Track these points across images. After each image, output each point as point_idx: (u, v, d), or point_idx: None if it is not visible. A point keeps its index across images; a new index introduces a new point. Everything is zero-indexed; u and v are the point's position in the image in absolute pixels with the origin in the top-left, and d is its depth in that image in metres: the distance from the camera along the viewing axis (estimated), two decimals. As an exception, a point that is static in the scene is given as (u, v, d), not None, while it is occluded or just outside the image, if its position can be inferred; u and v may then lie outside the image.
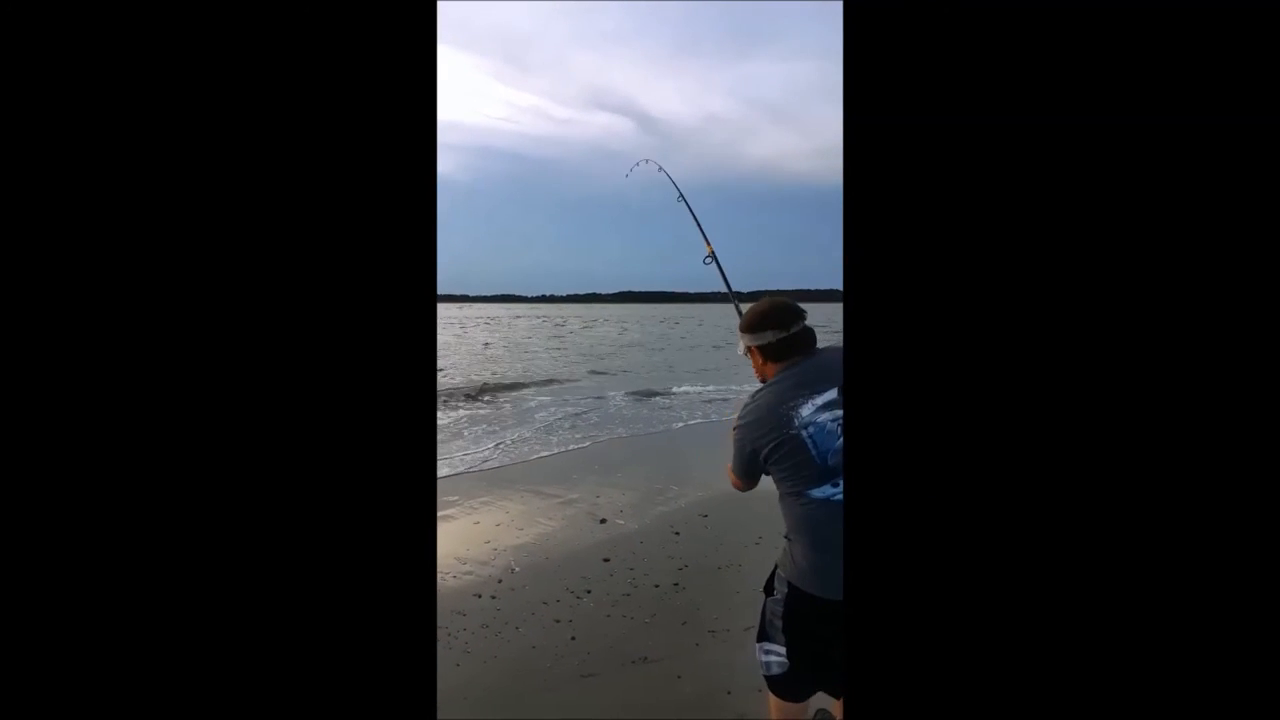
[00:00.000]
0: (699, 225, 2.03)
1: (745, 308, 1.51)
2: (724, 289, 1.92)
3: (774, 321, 1.34)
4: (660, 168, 2.24)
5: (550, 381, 11.01)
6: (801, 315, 1.35)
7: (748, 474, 1.38)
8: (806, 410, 1.26)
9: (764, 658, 1.42)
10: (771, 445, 1.28)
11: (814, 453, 1.26)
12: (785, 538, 1.36)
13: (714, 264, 1.95)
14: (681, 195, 2.13)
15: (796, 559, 1.32)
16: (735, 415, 1.36)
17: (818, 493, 1.27)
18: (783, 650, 1.38)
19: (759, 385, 1.42)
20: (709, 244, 1.97)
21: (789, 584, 1.34)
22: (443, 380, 10.57)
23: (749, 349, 1.39)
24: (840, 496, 1.26)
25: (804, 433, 1.26)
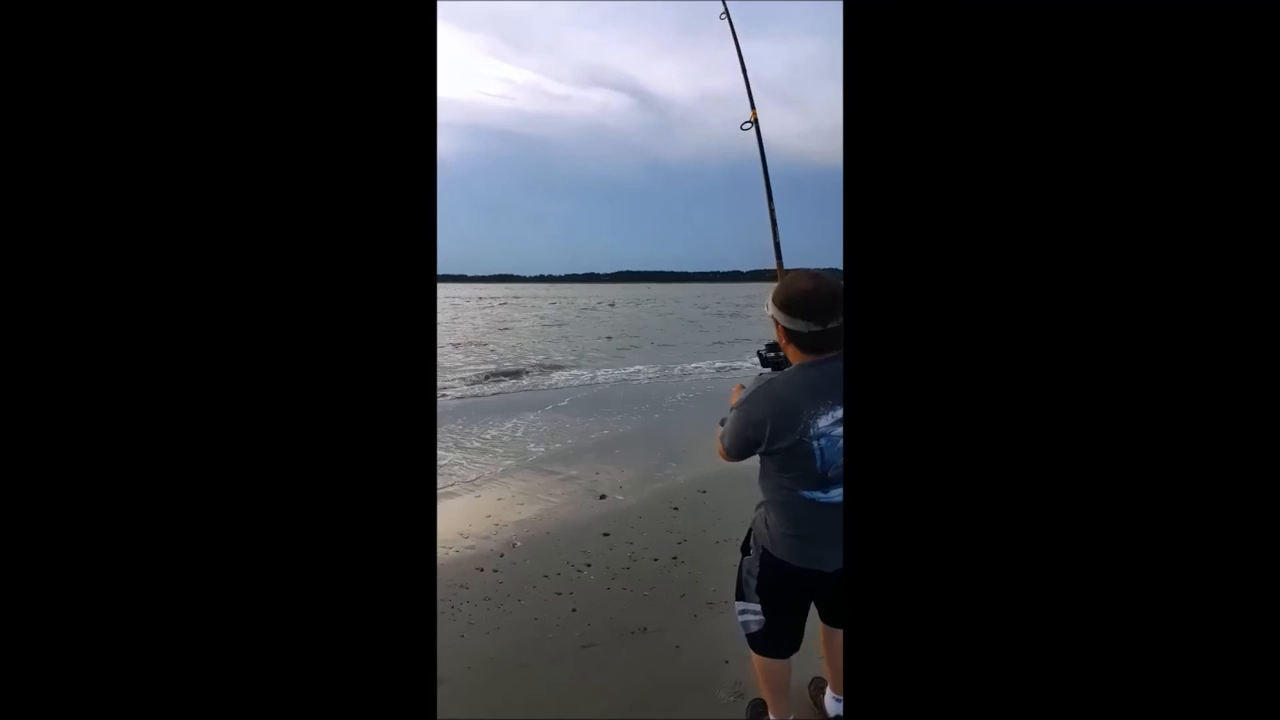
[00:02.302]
0: (744, 70, 1.71)
1: (778, 284, 1.38)
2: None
3: (809, 312, 1.18)
4: None
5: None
6: (839, 310, 1.18)
7: (740, 454, 1.31)
8: (824, 421, 1.18)
9: (742, 616, 1.46)
10: (776, 444, 1.21)
11: (818, 463, 1.21)
12: (760, 502, 1.38)
13: (753, 130, 1.69)
14: (726, 10, 1.82)
15: (770, 525, 1.34)
16: (744, 392, 1.27)
17: (806, 494, 1.26)
18: (758, 608, 1.42)
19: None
20: (753, 106, 1.66)
21: (762, 548, 1.37)
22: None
23: (775, 324, 1.26)
24: (824, 500, 1.25)
25: (815, 443, 1.19)
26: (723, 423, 1.33)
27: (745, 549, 1.46)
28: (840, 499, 1.24)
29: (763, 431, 1.21)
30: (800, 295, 1.21)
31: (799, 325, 1.20)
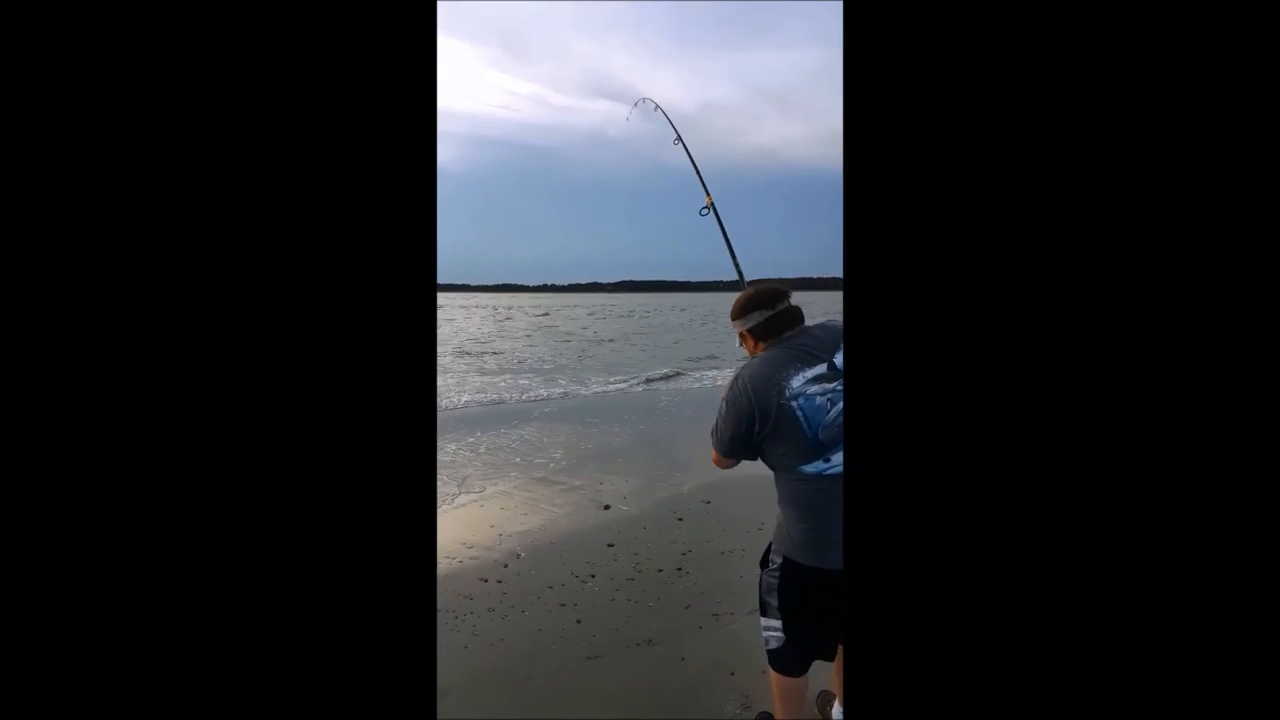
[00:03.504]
0: (697, 171, 1.93)
1: (743, 289, 1.50)
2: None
3: (759, 303, 1.36)
4: (657, 106, 2.14)
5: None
6: (785, 295, 1.38)
7: (732, 450, 1.37)
8: (797, 382, 1.27)
9: (764, 633, 1.45)
10: (762, 416, 1.28)
11: (804, 426, 1.26)
12: (781, 512, 1.38)
13: (712, 214, 1.86)
14: (679, 137, 2.02)
15: (789, 531, 1.34)
16: (723, 396, 1.36)
17: (810, 469, 1.28)
18: (779, 624, 1.41)
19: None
20: (708, 193, 1.87)
21: (783, 556, 1.37)
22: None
23: (741, 335, 1.41)
24: (831, 471, 1.27)
25: (794, 404, 1.26)
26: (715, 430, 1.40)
27: (764, 563, 1.45)
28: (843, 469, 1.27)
29: (752, 406, 1.29)
30: (748, 297, 1.39)
31: (756, 317, 1.36)
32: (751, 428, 1.30)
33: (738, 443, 1.34)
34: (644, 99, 2.20)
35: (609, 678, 1.98)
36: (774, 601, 1.40)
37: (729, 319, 1.42)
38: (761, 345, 1.37)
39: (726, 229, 1.82)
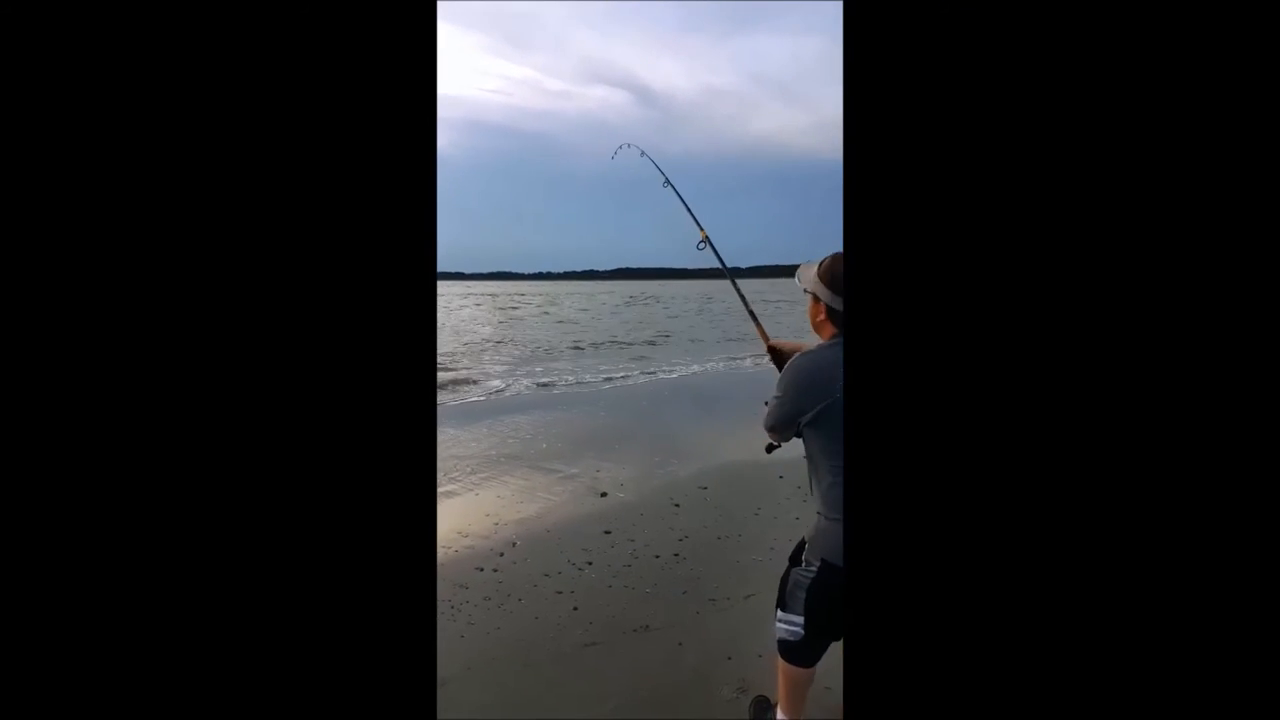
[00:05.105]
0: (689, 210, 1.97)
1: (745, 295, 1.50)
2: (722, 267, 1.91)
3: None
4: (643, 152, 2.15)
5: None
6: None
7: (783, 426, 1.36)
8: None
9: (783, 625, 1.44)
10: (815, 410, 1.27)
11: None
12: (826, 518, 1.34)
13: (709, 248, 1.92)
14: (667, 180, 2.06)
15: (832, 533, 1.31)
16: (781, 375, 1.35)
17: None
18: (799, 620, 1.40)
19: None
20: (702, 229, 1.93)
21: (822, 559, 1.34)
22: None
23: (823, 306, 1.31)
24: None
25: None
26: (767, 403, 1.38)
27: (795, 560, 1.43)
28: None
29: (805, 399, 1.28)
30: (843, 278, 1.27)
31: (841, 304, 1.27)
32: (798, 418, 1.30)
33: (788, 428, 1.35)
34: (628, 144, 2.19)
35: (606, 664, 1.99)
36: (800, 598, 1.39)
37: (811, 279, 1.31)
38: (832, 331, 1.31)
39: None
